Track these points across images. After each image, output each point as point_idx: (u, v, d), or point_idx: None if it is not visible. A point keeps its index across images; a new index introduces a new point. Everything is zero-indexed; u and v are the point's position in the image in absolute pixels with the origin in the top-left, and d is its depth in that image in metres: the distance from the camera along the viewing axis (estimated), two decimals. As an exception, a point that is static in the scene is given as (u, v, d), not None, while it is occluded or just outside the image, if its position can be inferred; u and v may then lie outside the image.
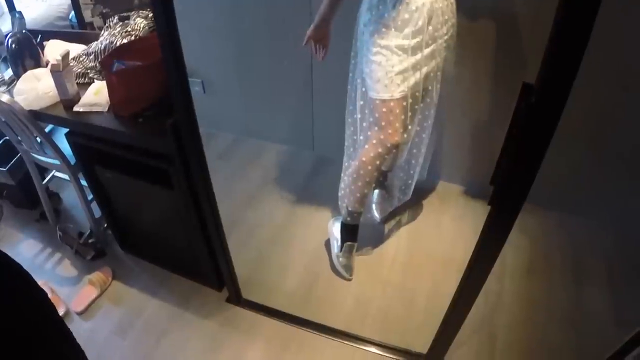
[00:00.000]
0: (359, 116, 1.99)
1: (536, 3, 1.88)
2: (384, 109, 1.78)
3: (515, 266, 2.20)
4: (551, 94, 0.93)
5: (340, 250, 2.23)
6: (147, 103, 1.75)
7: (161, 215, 2.06)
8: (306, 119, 2.83)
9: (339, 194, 2.14)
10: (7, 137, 2.31)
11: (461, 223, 2.46)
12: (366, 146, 1.88)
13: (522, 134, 1.02)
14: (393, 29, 1.69)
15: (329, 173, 2.55)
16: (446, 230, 2.43)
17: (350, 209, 2.09)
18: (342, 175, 2.14)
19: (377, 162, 1.88)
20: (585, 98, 1.72)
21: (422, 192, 2.59)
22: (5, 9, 3.07)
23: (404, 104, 1.76)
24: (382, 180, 2.32)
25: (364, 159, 1.89)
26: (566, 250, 2.29)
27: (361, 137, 2.01)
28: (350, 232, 2.20)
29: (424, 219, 2.50)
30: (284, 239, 2.45)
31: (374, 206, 2.46)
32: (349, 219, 2.14)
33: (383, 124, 1.80)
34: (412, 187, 2.25)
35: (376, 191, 2.44)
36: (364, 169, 1.91)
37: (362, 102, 1.94)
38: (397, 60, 1.71)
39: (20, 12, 2.30)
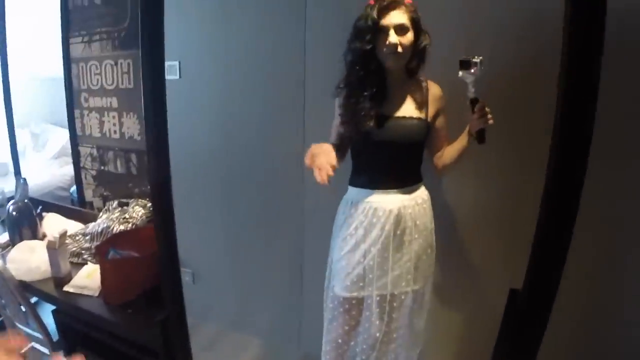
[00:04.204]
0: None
1: (516, 203, 2.01)
2: (346, 306, 1.88)
3: None
4: (537, 300, 0.98)
5: None
6: (139, 293, 1.78)
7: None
8: (294, 316, 2.79)
9: None
10: (-8, 298, 2.29)
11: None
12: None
13: (511, 341, 1.06)
14: (361, 233, 1.80)
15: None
16: None
17: None
18: None
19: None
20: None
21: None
22: (11, 168, 3.20)
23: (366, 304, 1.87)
24: None
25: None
26: None
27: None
28: None
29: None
30: None
31: None
32: None
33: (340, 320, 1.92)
34: None
35: None
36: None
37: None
38: (358, 262, 1.82)
39: (24, 179, 2.39)
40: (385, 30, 1.62)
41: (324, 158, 1.55)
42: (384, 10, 1.63)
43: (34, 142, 4.16)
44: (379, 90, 1.71)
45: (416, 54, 1.69)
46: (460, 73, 1.57)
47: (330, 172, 1.51)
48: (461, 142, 1.73)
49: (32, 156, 4.07)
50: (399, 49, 1.62)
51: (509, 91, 1.87)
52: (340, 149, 1.85)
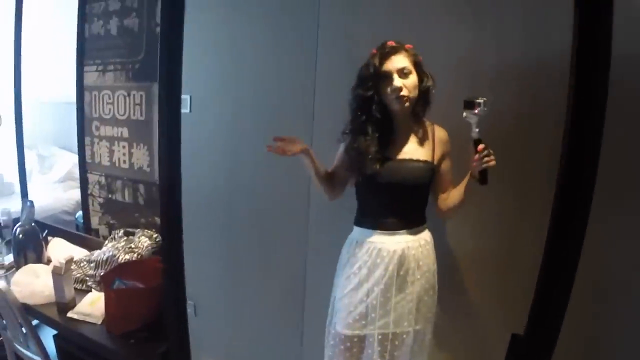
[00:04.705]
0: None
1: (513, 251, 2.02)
2: (348, 343, 1.87)
3: None
4: (539, 345, 0.98)
5: None
6: (142, 324, 1.80)
7: None
8: (294, 352, 2.73)
9: None
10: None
11: None
12: None
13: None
14: (365, 273, 1.82)
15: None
16: None
17: None
18: None
19: None
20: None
21: None
22: (16, 189, 3.22)
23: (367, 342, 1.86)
24: None
25: None
26: None
27: None
28: None
29: None
30: None
31: None
32: None
33: (341, 358, 1.90)
34: None
35: None
36: None
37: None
38: (361, 300, 1.83)
39: (31, 202, 2.42)
40: (388, 75, 1.68)
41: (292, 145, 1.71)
42: (385, 57, 1.70)
43: (41, 164, 4.21)
44: (385, 133, 1.76)
45: (421, 96, 1.74)
46: (464, 113, 1.60)
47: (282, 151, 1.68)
48: (465, 184, 1.75)
49: (38, 178, 4.11)
50: (404, 92, 1.67)
51: (512, 134, 1.90)
52: (334, 181, 1.89)
